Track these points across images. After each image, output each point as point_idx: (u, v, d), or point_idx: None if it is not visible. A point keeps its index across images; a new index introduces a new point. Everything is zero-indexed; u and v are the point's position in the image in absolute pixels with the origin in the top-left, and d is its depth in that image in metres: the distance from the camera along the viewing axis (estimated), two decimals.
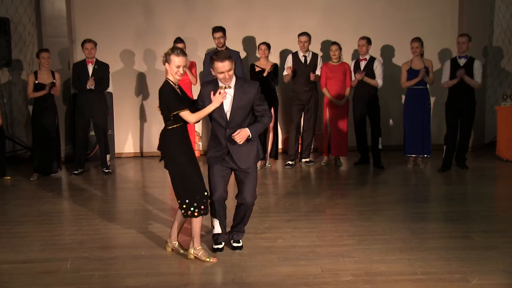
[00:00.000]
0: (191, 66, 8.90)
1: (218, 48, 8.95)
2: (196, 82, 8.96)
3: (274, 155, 9.28)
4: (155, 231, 5.79)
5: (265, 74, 8.79)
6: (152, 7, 10.40)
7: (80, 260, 4.98)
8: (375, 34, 9.51)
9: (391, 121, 10.67)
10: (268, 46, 8.94)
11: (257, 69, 8.91)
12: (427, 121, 8.82)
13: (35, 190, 7.93)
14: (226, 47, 9.07)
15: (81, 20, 10.28)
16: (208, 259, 4.91)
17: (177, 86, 4.88)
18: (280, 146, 10.04)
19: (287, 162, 9.22)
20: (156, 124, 10.50)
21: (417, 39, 8.73)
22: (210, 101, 4.86)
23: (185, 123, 4.89)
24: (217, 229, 5.19)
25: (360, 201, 6.98)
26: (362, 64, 9.05)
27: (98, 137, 9.10)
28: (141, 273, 4.68)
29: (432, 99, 9.49)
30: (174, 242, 5.15)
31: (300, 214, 6.35)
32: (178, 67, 4.77)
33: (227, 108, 4.90)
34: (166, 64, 4.80)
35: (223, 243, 5.24)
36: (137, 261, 4.94)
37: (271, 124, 9.04)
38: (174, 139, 4.87)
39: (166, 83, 4.84)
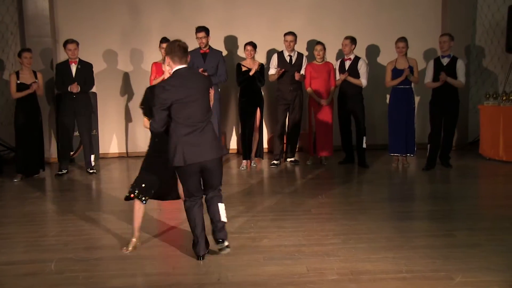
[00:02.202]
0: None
1: (201, 48, 8.95)
2: None
3: (260, 154, 9.27)
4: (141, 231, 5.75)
5: (251, 73, 8.78)
6: (136, 6, 10.35)
7: (65, 261, 4.95)
8: (360, 34, 9.53)
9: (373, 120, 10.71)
10: (254, 46, 8.93)
11: (244, 68, 8.90)
12: (411, 121, 8.86)
13: (19, 191, 7.86)
14: (210, 46, 9.05)
15: (65, 19, 10.19)
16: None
17: None
18: (265, 145, 10.04)
19: (273, 162, 9.23)
20: (141, 125, 10.42)
21: (403, 39, 8.77)
22: None
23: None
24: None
25: (345, 200, 7.00)
26: (347, 63, 9.08)
27: (82, 137, 9.05)
28: (127, 274, 4.67)
29: (417, 99, 9.53)
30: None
31: (286, 214, 6.35)
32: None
33: None
34: (167, 66, 4.89)
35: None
36: (122, 262, 4.92)
37: (257, 123, 9.02)
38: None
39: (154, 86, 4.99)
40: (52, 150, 9.92)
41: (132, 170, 9.46)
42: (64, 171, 8.88)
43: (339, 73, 9.08)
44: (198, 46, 8.95)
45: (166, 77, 4.90)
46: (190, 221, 4.98)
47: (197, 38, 8.91)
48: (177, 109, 4.70)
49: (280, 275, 4.54)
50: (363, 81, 9.00)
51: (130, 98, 10.45)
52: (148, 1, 10.37)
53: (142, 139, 10.45)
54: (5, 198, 7.46)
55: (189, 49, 8.81)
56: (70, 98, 8.76)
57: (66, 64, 8.89)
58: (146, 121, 5.08)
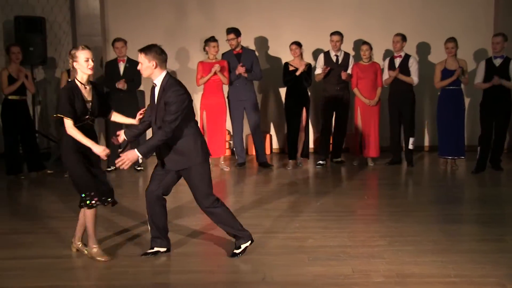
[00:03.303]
0: (225, 65, 8.89)
1: (234, 49, 9.00)
2: (228, 81, 8.96)
3: (305, 154, 9.24)
4: (183, 229, 5.81)
5: (297, 73, 8.75)
6: (183, 6, 10.44)
7: (114, 256, 5.02)
8: (407, 33, 9.36)
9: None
10: (299, 45, 8.90)
11: (291, 68, 8.88)
12: (461, 122, 8.69)
13: (69, 187, 8.01)
14: (242, 46, 9.11)
15: (114, 19, 10.37)
16: (101, 259, 4.94)
17: (88, 87, 4.91)
18: (311, 145, 9.99)
19: (318, 162, 9.18)
20: None
21: (452, 39, 8.61)
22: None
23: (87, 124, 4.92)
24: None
25: (391, 201, 6.92)
26: (397, 61, 8.97)
27: None
28: (172, 271, 4.72)
29: (467, 100, 9.33)
30: (78, 243, 5.14)
31: (331, 214, 6.31)
32: (87, 60, 4.84)
33: (155, 103, 4.81)
34: (75, 63, 4.84)
35: (154, 247, 5.06)
36: (168, 259, 4.97)
37: (303, 123, 9.00)
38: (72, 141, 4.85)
39: (69, 84, 4.90)
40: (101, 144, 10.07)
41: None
42: (113, 168, 9.03)
43: (388, 71, 8.96)
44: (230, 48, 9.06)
45: (143, 73, 4.83)
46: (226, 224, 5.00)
47: (227, 40, 8.96)
48: (189, 110, 4.78)
49: (324, 276, 4.51)
50: (415, 78, 8.87)
51: None
52: (194, 1, 10.45)
53: None
54: (56, 193, 7.62)
55: (222, 51, 9.03)
56: (118, 96, 8.90)
57: (114, 62, 9.05)
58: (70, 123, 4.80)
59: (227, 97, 9.08)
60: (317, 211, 6.49)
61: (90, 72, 4.87)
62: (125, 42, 8.92)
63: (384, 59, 9.70)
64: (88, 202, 4.90)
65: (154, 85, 4.79)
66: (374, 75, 8.97)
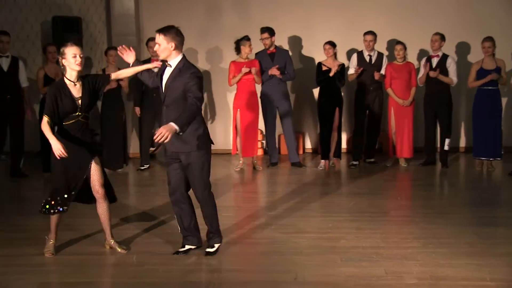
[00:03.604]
0: (256, 65, 8.90)
1: (268, 49, 9.00)
2: (261, 81, 8.96)
3: (338, 155, 9.19)
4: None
5: (331, 74, 8.71)
6: (216, 5, 10.48)
7: (146, 254, 5.08)
8: (443, 32, 9.23)
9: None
10: (333, 45, 8.86)
11: (324, 68, 8.85)
12: (498, 123, 8.54)
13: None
14: (276, 46, 9.11)
15: (148, 18, 10.46)
16: (47, 254, 5.04)
17: (77, 84, 4.94)
18: (344, 146, 9.94)
19: (351, 162, 9.13)
20: (220, 122, 10.60)
21: (489, 39, 8.47)
22: (159, 72, 4.96)
23: (74, 123, 4.94)
24: (179, 229, 5.12)
25: (425, 203, 6.84)
26: (434, 61, 8.86)
27: None
28: (204, 269, 4.74)
29: (504, 100, 9.18)
30: (111, 240, 5.19)
31: (363, 215, 6.27)
32: (75, 56, 4.87)
33: (163, 85, 4.85)
34: (64, 61, 4.89)
35: (185, 245, 5.10)
36: (201, 257, 4.99)
37: (335, 124, 8.96)
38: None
39: (56, 82, 4.97)
40: (134, 146, 10.20)
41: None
42: (146, 166, 9.11)
43: (425, 71, 8.85)
44: (263, 47, 9.07)
45: (160, 55, 4.85)
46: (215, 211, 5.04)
47: (261, 39, 8.97)
48: None
49: (357, 277, 4.49)
50: (454, 78, 8.75)
51: (209, 95, 10.60)
52: (229, 1, 10.48)
53: (221, 136, 10.58)
54: None
55: (255, 51, 9.04)
56: (152, 95, 8.97)
57: (148, 62, 9.09)
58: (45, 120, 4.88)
59: (260, 97, 9.09)
60: (350, 211, 6.45)
61: (77, 68, 4.91)
62: None
63: (418, 59, 9.60)
64: (47, 207, 4.98)
65: (168, 65, 4.82)
66: (408, 75, 8.88)
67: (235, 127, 8.88)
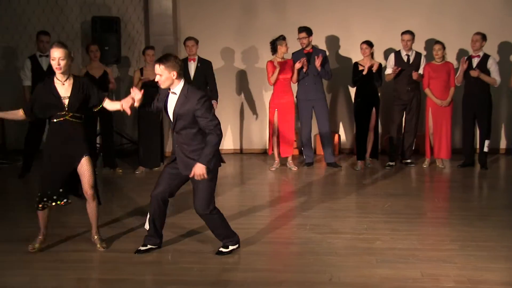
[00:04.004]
0: (291, 64, 8.88)
1: (304, 48, 8.96)
2: (296, 80, 8.95)
3: (374, 155, 9.12)
4: (252, 227, 5.84)
5: (364, 72, 8.65)
6: (254, 5, 10.49)
7: (181, 252, 5.12)
8: (484, 32, 9.07)
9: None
10: (370, 44, 8.80)
11: (360, 67, 8.79)
12: None
13: (139, 183, 8.22)
14: (313, 46, 9.07)
15: (186, 18, 10.54)
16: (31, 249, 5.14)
17: (66, 83, 4.97)
18: (380, 146, 9.85)
19: (388, 163, 9.04)
20: (257, 122, 10.61)
21: None
22: (161, 98, 5.01)
23: (56, 122, 4.99)
24: (146, 225, 5.20)
25: (463, 205, 6.73)
26: (475, 61, 8.71)
27: None
28: (239, 268, 4.76)
29: None
30: (95, 236, 5.28)
31: (399, 216, 6.21)
32: (53, 59, 4.88)
33: (171, 113, 4.88)
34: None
35: (148, 245, 5.17)
36: (235, 256, 5.01)
37: (372, 124, 8.89)
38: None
39: (45, 80, 5.02)
40: (170, 145, 10.29)
41: (246, 166, 9.62)
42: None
43: (464, 71, 8.71)
44: (300, 47, 9.03)
45: (162, 85, 4.86)
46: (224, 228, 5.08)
47: (298, 38, 8.94)
48: None
49: (392, 279, 4.45)
50: (497, 78, 8.59)
51: (246, 95, 10.62)
52: (266, 1, 10.48)
53: (257, 136, 10.62)
54: (127, 189, 7.82)
55: (291, 51, 9.02)
56: None
57: (185, 61, 9.17)
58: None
59: (296, 96, 9.07)
60: (386, 212, 6.39)
61: (57, 71, 4.94)
62: (196, 41, 9.03)
63: (457, 59, 9.45)
64: (39, 203, 5.08)
65: (172, 93, 4.86)
66: (447, 75, 8.75)
67: (272, 127, 8.88)
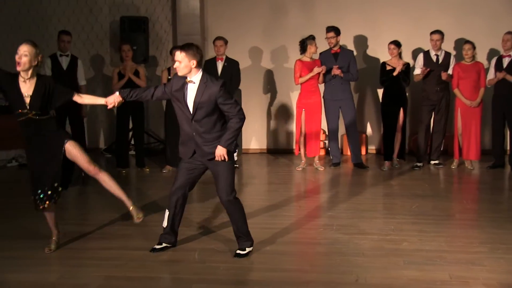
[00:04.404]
0: (319, 65, 8.84)
1: (332, 48, 8.92)
2: (323, 81, 8.91)
3: (402, 156, 9.05)
4: (278, 227, 5.84)
5: (395, 74, 8.59)
6: (281, 5, 10.49)
7: (207, 251, 5.13)
8: None
9: None
10: (398, 44, 8.73)
11: (388, 67, 8.73)
12: None
13: (166, 182, 8.26)
14: (340, 46, 9.04)
15: (213, 18, 10.59)
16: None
17: (28, 81, 4.91)
18: (408, 147, 9.78)
19: (415, 164, 8.96)
20: (283, 122, 10.61)
21: None
22: (175, 88, 4.92)
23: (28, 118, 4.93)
24: (164, 223, 5.16)
25: (492, 207, 6.64)
26: (505, 61, 8.58)
27: None
28: (265, 268, 4.75)
29: None
30: (130, 207, 5.25)
31: (427, 218, 6.14)
32: (17, 54, 4.86)
33: (191, 102, 4.85)
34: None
35: (163, 243, 5.17)
36: (261, 256, 5.01)
37: (400, 124, 8.82)
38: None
39: (14, 73, 4.94)
40: None
41: (273, 166, 9.62)
42: None
43: (495, 71, 8.60)
44: (328, 46, 9.02)
45: (179, 72, 4.86)
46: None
47: (326, 38, 8.91)
48: None
49: (420, 281, 4.40)
50: None
51: (272, 94, 10.63)
52: (293, 0, 10.47)
53: (283, 136, 10.62)
54: (154, 188, 7.87)
55: (320, 51, 8.98)
56: None
57: (213, 61, 9.21)
58: None
59: (323, 97, 9.04)
60: (413, 214, 6.33)
61: (17, 67, 4.88)
62: (225, 41, 9.04)
63: (488, 59, 9.33)
64: (37, 205, 5.05)
65: (191, 82, 4.85)
66: (477, 75, 8.64)
67: (299, 127, 8.86)
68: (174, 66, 4.91)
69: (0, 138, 9.33)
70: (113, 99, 5.12)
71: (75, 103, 5.20)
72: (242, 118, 4.83)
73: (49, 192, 5.02)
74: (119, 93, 5.13)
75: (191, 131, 4.90)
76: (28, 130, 4.98)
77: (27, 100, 4.90)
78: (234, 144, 4.89)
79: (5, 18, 10.71)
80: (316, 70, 8.59)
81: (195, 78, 4.85)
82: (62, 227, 5.34)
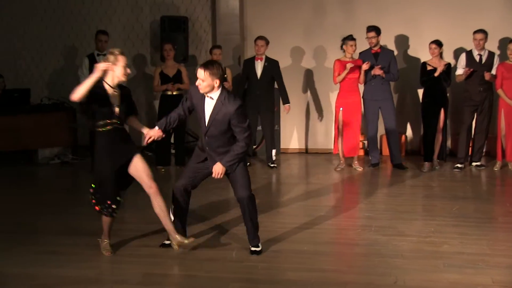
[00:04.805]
0: (359, 64, 8.79)
1: (372, 48, 8.84)
2: (363, 81, 8.84)
3: (442, 157, 8.91)
4: (316, 227, 5.82)
5: (436, 74, 8.46)
6: (321, 4, 10.44)
7: (245, 250, 5.13)
8: None
9: None
10: (439, 44, 8.60)
11: (429, 68, 8.61)
12: None
13: (205, 181, 8.29)
14: (381, 46, 8.95)
15: (253, 17, 10.60)
16: (104, 252, 5.11)
17: (113, 90, 4.95)
18: (448, 148, 9.62)
19: (456, 165, 8.81)
20: (322, 121, 10.56)
21: None
22: (196, 98, 4.97)
23: (114, 127, 4.94)
24: (171, 218, 5.21)
25: None
26: None
27: (265, 132, 9.35)
28: (302, 268, 4.74)
29: None
30: (176, 236, 5.12)
31: (468, 220, 6.04)
32: (125, 66, 4.94)
33: (207, 118, 4.90)
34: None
35: (169, 241, 5.17)
36: (299, 256, 5.00)
37: (440, 124, 8.70)
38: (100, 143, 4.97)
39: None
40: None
41: (311, 166, 9.59)
42: (247, 164, 9.20)
43: None
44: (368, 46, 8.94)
45: (201, 90, 4.86)
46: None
47: (367, 37, 8.84)
48: None
49: (460, 284, 4.33)
50: None
51: (312, 94, 10.59)
52: (331, 0, 10.41)
53: (322, 136, 10.57)
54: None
55: (359, 50, 8.90)
56: (254, 94, 9.08)
57: (251, 61, 9.22)
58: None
59: (362, 97, 8.97)
60: (454, 216, 6.23)
61: (123, 78, 4.98)
62: (267, 42, 9.04)
63: None
64: (112, 211, 5.07)
65: (209, 98, 4.89)
66: None
67: (337, 127, 8.82)
68: (196, 84, 4.90)
69: (44, 136, 9.58)
70: (154, 133, 5.16)
71: None
72: (247, 144, 4.95)
73: (121, 200, 5.11)
74: (158, 127, 5.17)
75: (205, 143, 5.01)
76: (108, 139, 4.98)
77: (116, 109, 4.96)
78: (236, 165, 4.97)
79: (48, 18, 10.98)
80: (349, 65, 8.53)
81: (214, 95, 4.89)
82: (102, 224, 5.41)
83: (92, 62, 8.88)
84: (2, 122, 9.29)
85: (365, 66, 8.56)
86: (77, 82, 9.08)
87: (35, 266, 4.81)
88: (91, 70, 8.76)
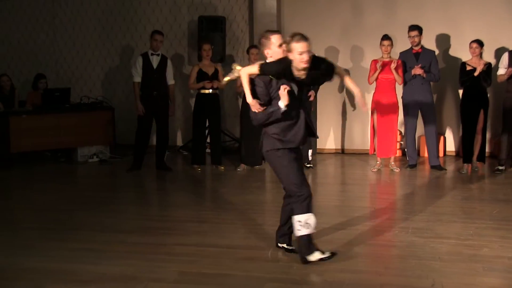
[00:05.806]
0: (398, 66, 8.69)
1: (413, 47, 8.72)
2: (402, 81, 8.74)
3: (482, 158, 8.75)
4: (353, 228, 5.78)
5: (476, 74, 8.32)
6: (359, 4, 10.37)
7: (280, 250, 5.12)
8: None
9: None
10: (480, 44, 8.45)
11: (468, 68, 8.46)
12: None
13: (241, 180, 8.34)
14: (422, 46, 8.83)
15: (290, 17, 10.59)
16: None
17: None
18: (488, 149, 9.45)
19: (497, 167, 8.64)
20: (358, 122, 10.49)
21: None
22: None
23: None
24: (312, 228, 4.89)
25: None
26: None
27: None
28: (338, 269, 4.70)
29: None
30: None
31: (510, 223, 5.91)
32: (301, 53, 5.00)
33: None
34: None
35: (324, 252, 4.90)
36: (334, 257, 4.95)
37: (480, 126, 8.54)
38: None
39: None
40: None
41: (347, 166, 9.53)
42: (310, 165, 9.12)
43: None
44: (410, 45, 8.81)
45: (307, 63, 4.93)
46: None
47: (409, 36, 8.74)
48: None
49: None
50: None
51: (348, 95, 10.52)
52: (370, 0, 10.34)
53: (358, 136, 10.50)
54: (228, 186, 7.95)
55: (399, 50, 8.79)
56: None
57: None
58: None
59: (402, 97, 8.87)
60: (494, 219, 6.10)
61: (304, 65, 5.04)
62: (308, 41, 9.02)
63: None
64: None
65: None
66: None
67: (373, 127, 8.75)
68: (304, 57, 4.90)
69: (83, 135, 9.74)
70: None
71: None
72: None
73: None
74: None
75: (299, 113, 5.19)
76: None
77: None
78: None
79: (96, 19, 11.20)
80: (379, 65, 8.47)
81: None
82: (142, 223, 5.49)
83: (146, 61, 8.96)
84: (44, 121, 9.48)
85: (392, 66, 8.45)
86: (130, 80, 9.28)
87: (72, 262, 4.88)
88: (144, 69, 8.94)
